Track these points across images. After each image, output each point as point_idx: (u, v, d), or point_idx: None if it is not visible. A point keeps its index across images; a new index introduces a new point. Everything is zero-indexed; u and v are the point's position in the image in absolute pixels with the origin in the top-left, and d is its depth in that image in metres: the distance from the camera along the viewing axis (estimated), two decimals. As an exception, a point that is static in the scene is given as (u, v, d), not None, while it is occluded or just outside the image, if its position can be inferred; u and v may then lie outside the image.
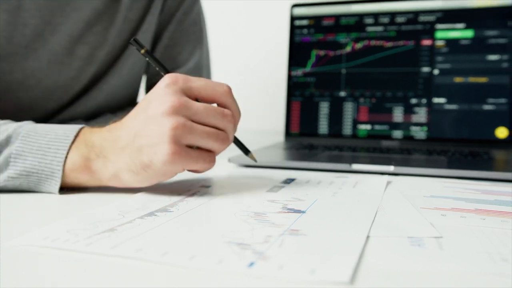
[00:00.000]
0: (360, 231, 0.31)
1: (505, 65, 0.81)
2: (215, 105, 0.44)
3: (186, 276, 0.24)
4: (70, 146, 0.42)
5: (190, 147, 0.41)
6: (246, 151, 0.49)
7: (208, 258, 0.26)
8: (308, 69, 0.92)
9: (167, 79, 0.41)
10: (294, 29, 0.94)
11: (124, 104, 0.74)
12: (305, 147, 0.77)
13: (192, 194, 0.43)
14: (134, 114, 0.42)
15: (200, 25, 0.78)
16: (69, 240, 0.29)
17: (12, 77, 0.60)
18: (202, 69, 0.79)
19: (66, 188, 0.43)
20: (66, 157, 0.42)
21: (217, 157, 0.72)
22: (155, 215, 0.35)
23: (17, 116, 0.62)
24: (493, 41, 0.82)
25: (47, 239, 0.29)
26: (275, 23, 1.21)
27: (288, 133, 0.93)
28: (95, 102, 0.68)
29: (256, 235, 0.30)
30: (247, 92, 1.31)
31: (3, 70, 0.59)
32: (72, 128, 0.43)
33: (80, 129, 0.43)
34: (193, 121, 0.40)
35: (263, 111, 1.29)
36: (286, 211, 0.37)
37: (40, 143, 0.42)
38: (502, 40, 0.82)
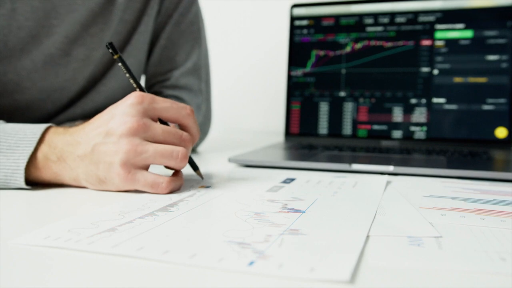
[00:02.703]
0: (360, 230, 0.31)
1: (504, 65, 0.81)
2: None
3: (187, 274, 0.24)
4: (36, 146, 0.44)
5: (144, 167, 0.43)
6: (195, 167, 0.50)
7: (208, 256, 0.26)
8: (308, 69, 0.93)
9: (133, 97, 0.43)
10: (294, 29, 0.94)
11: None
12: (305, 147, 0.78)
13: (192, 194, 0.43)
14: (96, 124, 0.44)
15: (198, 25, 0.78)
16: (70, 240, 0.29)
17: (7, 78, 0.60)
18: (200, 69, 0.79)
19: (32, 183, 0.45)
20: (31, 155, 0.43)
21: (217, 157, 0.72)
22: (156, 214, 0.35)
23: (14, 117, 0.63)
24: (492, 41, 0.82)
25: (48, 239, 0.29)
26: (275, 23, 1.21)
27: (288, 133, 0.93)
28: (93, 104, 0.68)
29: (256, 235, 0.30)
30: (247, 92, 1.31)
31: None
32: (39, 127, 0.45)
33: (47, 128, 0.45)
34: (149, 141, 0.42)
35: (263, 111, 1.29)
36: (286, 210, 0.37)
37: (10, 142, 0.44)
38: (501, 40, 0.82)
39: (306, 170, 0.58)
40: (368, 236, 0.30)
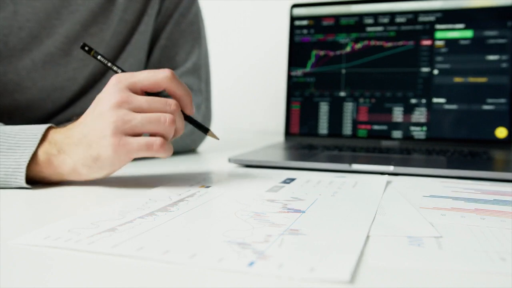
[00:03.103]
0: (360, 230, 0.31)
1: (504, 65, 0.81)
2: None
3: (187, 274, 0.24)
4: (39, 144, 0.45)
5: (138, 136, 0.44)
6: (205, 129, 0.50)
7: (208, 257, 0.26)
8: (308, 69, 0.93)
9: (113, 79, 0.45)
10: (294, 29, 0.94)
11: None
12: (305, 147, 0.78)
13: (192, 194, 0.43)
14: (87, 112, 0.46)
15: (198, 25, 0.78)
16: (70, 240, 0.29)
17: (7, 78, 0.60)
18: (200, 69, 0.79)
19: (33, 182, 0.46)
20: (34, 154, 0.44)
21: (217, 157, 0.72)
22: (156, 214, 0.35)
23: (14, 117, 0.63)
24: (492, 41, 0.82)
25: (48, 239, 0.29)
26: (275, 23, 1.21)
27: (288, 133, 0.93)
28: None
29: (256, 235, 0.30)
30: (247, 92, 1.31)
31: None
32: (40, 128, 0.46)
33: (47, 128, 0.46)
34: (136, 112, 0.43)
35: (263, 111, 1.29)
36: (286, 210, 0.37)
37: (10, 143, 0.45)
38: (501, 40, 0.82)
39: (306, 170, 0.58)
40: (368, 236, 0.30)
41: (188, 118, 0.48)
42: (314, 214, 0.36)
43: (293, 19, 0.95)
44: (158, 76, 0.45)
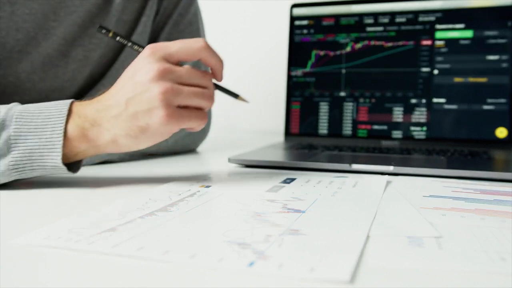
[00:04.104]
0: (360, 230, 0.31)
1: (504, 65, 0.81)
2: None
3: (187, 274, 0.24)
4: (67, 119, 0.44)
5: (181, 107, 0.45)
6: (234, 95, 0.52)
7: (208, 257, 0.26)
8: (308, 69, 0.93)
9: (147, 50, 0.45)
10: (294, 29, 0.94)
11: None
12: (305, 147, 0.78)
13: (192, 194, 0.43)
14: (121, 84, 0.45)
15: (197, 25, 0.78)
16: (70, 240, 0.29)
17: (7, 81, 0.60)
18: (200, 69, 0.79)
19: (74, 168, 0.46)
20: (65, 129, 0.44)
21: (217, 157, 0.72)
22: (156, 214, 0.35)
23: None
24: (492, 41, 0.82)
25: (48, 239, 0.29)
26: (275, 23, 1.21)
27: (288, 133, 0.93)
28: None
29: (256, 235, 0.30)
30: (247, 92, 1.30)
31: None
32: (64, 103, 0.45)
33: (71, 103, 0.46)
34: (178, 83, 0.44)
35: (263, 111, 1.29)
36: (286, 210, 0.37)
37: (36, 122, 0.44)
38: (501, 40, 0.82)
39: (306, 170, 0.58)
40: (368, 236, 0.30)
41: (217, 86, 0.51)
42: (314, 214, 0.36)
43: (293, 19, 0.95)
44: (194, 47, 0.46)
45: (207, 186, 0.47)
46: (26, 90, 0.62)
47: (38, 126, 0.44)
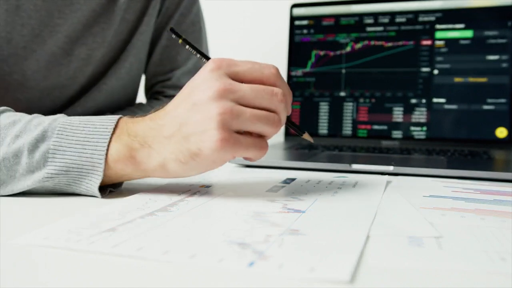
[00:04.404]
0: (360, 230, 0.31)
1: (504, 65, 0.81)
2: None
3: (187, 274, 0.24)
4: (111, 138, 0.40)
5: (240, 132, 0.39)
6: (300, 131, 0.47)
7: (208, 257, 0.26)
8: (308, 69, 0.93)
9: (210, 64, 0.40)
10: (294, 29, 0.94)
11: (123, 104, 0.74)
12: (305, 147, 0.77)
13: (192, 194, 0.43)
14: (177, 101, 0.40)
15: (199, 25, 0.78)
16: (70, 240, 0.29)
17: (12, 78, 0.60)
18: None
19: (106, 191, 0.42)
20: (107, 149, 0.40)
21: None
22: (156, 215, 0.35)
23: None
24: (492, 41, 0.82)
25: (48, 239, 0.29)
26: (275, 23, 1.21)
27: (288, 133, 0.93)
28: (94, 102, 0.69)
29: (256, 235, 0.30)
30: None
31: (3, 72, 0.59)
32: (111, 119, 0.41)
33: (119, 119, 0.42)
34: (241, 104, 0.38)
35: (263, 111, 1.28)
36: (286, 210, 0.37)
37: (78, 137, 0.40)
38: (501, 40, 0.82)
39: (306, 170, 0.58)
40: (368, 236, 0.30)
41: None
42: (314, 214, 0.36)
43: (293, 19, 0.95)
44: (264, 72, 0.40)
45: (207, 186, 0.47)
46: (29, 88, 0.62)
47: (80, 141, 0.40)
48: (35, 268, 0.26)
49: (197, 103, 0.38)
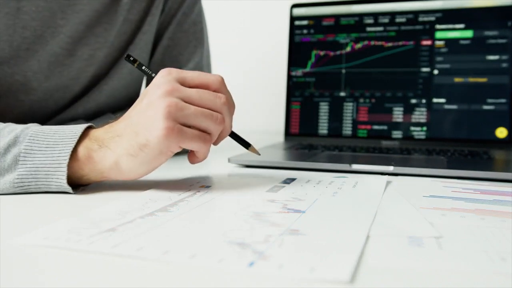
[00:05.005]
0: (360, 230, 0.31)
1: (504, 65, 0.81)
2: None
3: (187, 274, 0.24)
4: (77, 143, 0.43)
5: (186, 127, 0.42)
6: (246, 144, 0.50)
7: (208, 257, 0.26)
8: (308, 69, 0.93)
9: (161, 72, 0.44)
10: (294, 29, 0.94)
11: (125, 104, 0.75)
12: (305, 147, 0.77)
13: (192, 194, 0.43)
14: (132, 106, 0.45)
15: (201, 25, 0.78)
16: (70, 240, 0.29)
17: (14, 80, 0.60)
18: (202, 69, 0.79)
19: (79, 188, 0.44)
20: (72, 151, 0.42)
21: (217, 157, 0.72)
22: (156, 215, 0.35)
23: (17, 118, 0.62)
24: (492, 41, 0.82)
25: (48, 239, 0.29)
26: (275, 23, 1.21)
27: (288, 133, 0.93)
28: (95, 103, 0.69)
29: (256, 235, 0.30)
30: (247, 92, 1.31)
31: (5, 73, 0.59)
32: (80, 126, 0.44)
33: (87, 127, 0.45)
34: (186, 102, 0.42)
35: (263, 111, 1.29)
36: (286, 211, 0.37)
37: (48, 141, 0.43)
38: (501, 40, 0.82)
39: (306, 170, 0.58)
40: (368, 236, 0.30)
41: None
42: (314, 214, 0.36)
43: (293, 19, 0.95)
44: (209, 78, 0.45)
45: (207, 186, 0.47)
46: (32, 89, 0.62)
47: (49, 145, 0.43)
48: (35, 268, 0.26)
49: (147, 102, 0.42)
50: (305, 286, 0.23)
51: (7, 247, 0.28)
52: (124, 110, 0.72)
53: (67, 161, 0.42)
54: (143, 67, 0.50)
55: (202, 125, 0.43)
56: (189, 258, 0.26)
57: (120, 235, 0.29)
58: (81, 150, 0.43)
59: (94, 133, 0.44)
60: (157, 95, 0.42)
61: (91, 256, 0.27)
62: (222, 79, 0.45)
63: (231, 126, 0.46)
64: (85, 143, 0.43)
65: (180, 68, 0.75)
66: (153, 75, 0.48)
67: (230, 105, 0.45)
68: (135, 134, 0.42)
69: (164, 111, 0.40)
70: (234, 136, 0.49)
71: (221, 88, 0.45)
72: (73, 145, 0.42)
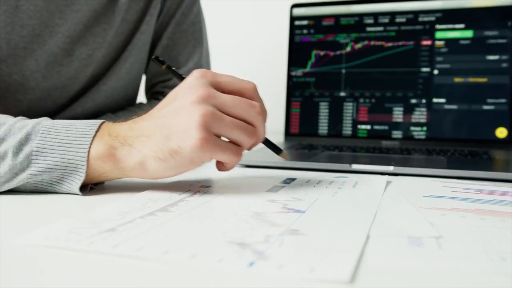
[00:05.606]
0: (360, 230, 0.31)
1: (504, 65, 0.81)
2: None
3: (187, 274, 0.24)
4: (92, 140, 0.42)
5: (218, 137, 0.41)
6: (277, 150, 0.49)
7: (208, 257, 0.26)
8: (308, 69, 0.93)
9: (195, 73, 0.42)
10: (294, 29, 0.94)
11: (124, 104, 0.74)
12: (305, 147, 0.77)
13: (193, 194, 0.43)
14: (161, 105, 0.43)
15: (200, 25, 0.78)
16: (70, 240, 0.29)
17: (12, 79, 0.60)
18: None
19: (87, 187, 0.43)
20: (89, 150, 0.41)
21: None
22: (156, 215, 0.35)
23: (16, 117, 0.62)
24: (492, 41, 0.82)
25: (48, 239, 0.29)
26: (275, 23, 1.21)
27: (288, 133, 0.93)
28: (94, 103, 0.69)
29: (256, 235, 0.30)
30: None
31: (2, 72, 0.59)
32: (93, 123, 0.43)
33: (102, 123, 0.43)
34: (221, 111, 0.41)
35: (263, 111, 1.28)
36: (286, 211, 0.37)
37: (61, 139, 0.42)
38: (501, 40, 0.82)
39: (306, 170, 0.58)
40: (368, 236, 0.30)
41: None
42: (314, 214, 0.36)
43: (293, 19, 0.95)
44: (243, 84, 0.43)
45: (207, 186, 0.47)
46: (30, 88, 0.62)
47: (62, 143, 0.41)
48: (35, 268, 0.26)
49: (180, 106, 0.41)
50: (305, 286, 0.23)
51: (7, 247, 0.28)
52: (124, 110, 0.73)
53: (85, 164, 0.41)
54: (173, 68, 0.49)
55: (235, 137, 0.42)
56: (189, 258, 0.26)
57: (120, 235, 0.29)
58: (101, 147, 0.41)
59: (115, 128, 0.43)
60: (191, 100, 0.40)
61: (91, 256, 0.27)
62: (255, 86, 0.44)
63: (264, 134, 0.45)
64: (105, 139, 0.42)
65: (178, 68, 0.76)
66: (184, 76, 0.46)
67: (263, 113, 0.44)
68: (166, 138, 0.40)
69: (199, 119, 0.39)
70: (266, 142, 0.48)
71: (254, 95, 0.44)
72: (88, 145, 0.41)
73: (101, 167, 0.42)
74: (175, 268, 0.25)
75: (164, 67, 0.48)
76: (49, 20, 0.60)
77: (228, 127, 0.41)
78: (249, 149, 0.45)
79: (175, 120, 0.40)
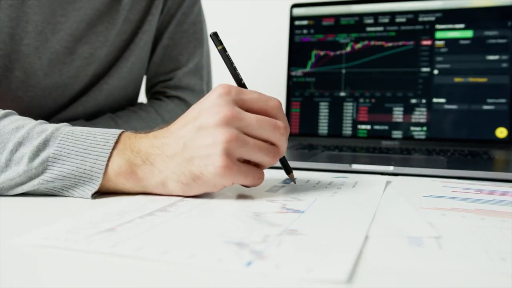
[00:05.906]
0: (359, 230, 0.31)
1: (504, 65, 0.81)
2: None
3: (185, 274, 0.24)
4: (112, 152, 0.41)
5: (240, 159, 0.40)
6: (288, 170, 0.48)
7: (207, 257, 0.26)
8: (308, 69, 0.93)
9: (219, 89, 0.40)
10: (294, 29, 0.94)
11: (124, 104, 0.74)
12: (304, 147, 0.77)
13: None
14: (183, 122, 0.41)
15: (201, 25, 0.79)
16: (69, 240, 0.29)
17: (14, 76, 0.60)
18: (202, 69, 0.79)
19: (97, 192, 0.42)
20: (107, 163, 0.41)
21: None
22: (155, 215, 0.35)
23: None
24: (492, 41, 0.82)
25: (47, 239, 0.29)
26: (275, 23, 1.21)
27: (288, 133, 0.93)
28: (95, 102, 0.69)
29: (254, 235, 0.30)
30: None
31: (5, 68, 0.59)
32: (113, 133, 0.42)
33: (121, 133, 0.42)
34: (245, 133, 0.39)
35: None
36: (285, 211, 0.37)
37: (78, 148, 0.41)
38: (501, 40, 0.82)
39: (306, 170, 0.58)
40: (368, 236, 0.30)
41: None
42: (313, 214, 0.36)
43: (293, 19, 0.95)
44: (269, 103, 0.42)
45: (207, 186, 0.46)
46: (31, 86, 0.62)
47: (80, 152, 0.41)
48: (34, 268, 0.26)
49: (203, 126, 0.39)
50: (303, 286, 0.23)
51: (7, 247, 0.28)
52: (124, 109, 0.73)
53: (101, 176, 0.40)
54: (227, 53, 0.45)
55: (258, 160, 0.41)
56: (188, 258, 0.26)
57: (119, 235, 0.29)
58: (123, 163, 0.40)
59: (135, 143, 0.42)
60: (215, 122, 0.38)
61: (90, 256, 0.27)
62: (280, 104, 0.42)
63: (284, 153, 0.44)
64: (126, 154, 0.41)
65: (179, 68, 0.76)
66: (238, 71, 0.45)
67: (286, 133, 0.42)
68: (189, 163, 0.39)
69: (223, 146, 0.38)
70: (281, 159, 0.47)
71: (279, 114, 0.42)
72: (106, 157, 0.40)
73: (122, 183, 0.41)
74: (174, 268, 0.25)
75: (219, 48, 0.44)
76: (51, 17, 0.60)
77: (252, 151, 0.39)
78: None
79: (198, 142, 0.39)
